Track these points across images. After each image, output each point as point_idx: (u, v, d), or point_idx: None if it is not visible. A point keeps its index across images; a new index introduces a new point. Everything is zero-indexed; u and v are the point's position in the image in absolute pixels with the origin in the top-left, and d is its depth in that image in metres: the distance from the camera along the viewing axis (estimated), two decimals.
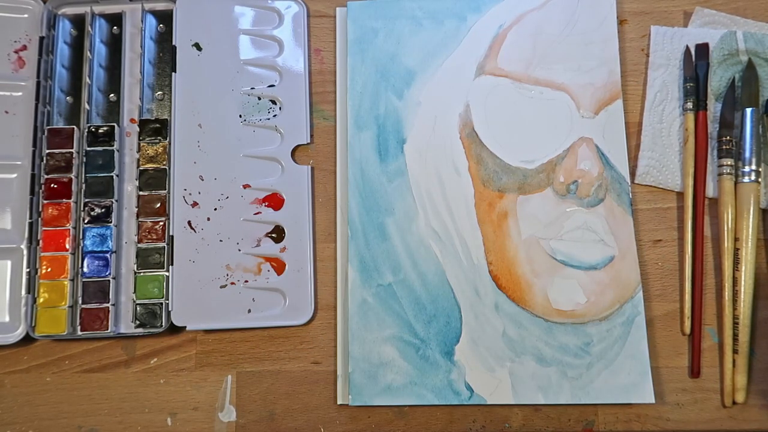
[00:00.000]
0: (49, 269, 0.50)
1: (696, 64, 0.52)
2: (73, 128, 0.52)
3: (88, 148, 0.52)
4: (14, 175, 0.51)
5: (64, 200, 0.51)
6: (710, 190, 0.50)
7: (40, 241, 0.50)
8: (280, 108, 0.53)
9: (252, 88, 0.53)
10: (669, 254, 0.50)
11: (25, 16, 0.54)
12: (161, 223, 0.51)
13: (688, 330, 0.48)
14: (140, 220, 0.51)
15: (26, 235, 0.50)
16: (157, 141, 0.52)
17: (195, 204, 0.51)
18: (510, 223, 0.50)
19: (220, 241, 0.50)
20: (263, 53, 0.54)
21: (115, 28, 0.55)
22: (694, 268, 0.49)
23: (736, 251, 0.48)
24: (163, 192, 0.51)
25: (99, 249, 0.50)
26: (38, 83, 0.52)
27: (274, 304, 0.50)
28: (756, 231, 0.48)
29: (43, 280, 0.49)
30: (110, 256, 0.50)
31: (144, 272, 0.50)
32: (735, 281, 0.48)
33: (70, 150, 0.51)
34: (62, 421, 0.49)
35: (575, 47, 0.52)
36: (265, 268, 0.50)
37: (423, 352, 0.48)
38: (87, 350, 0.50)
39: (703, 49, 0.52)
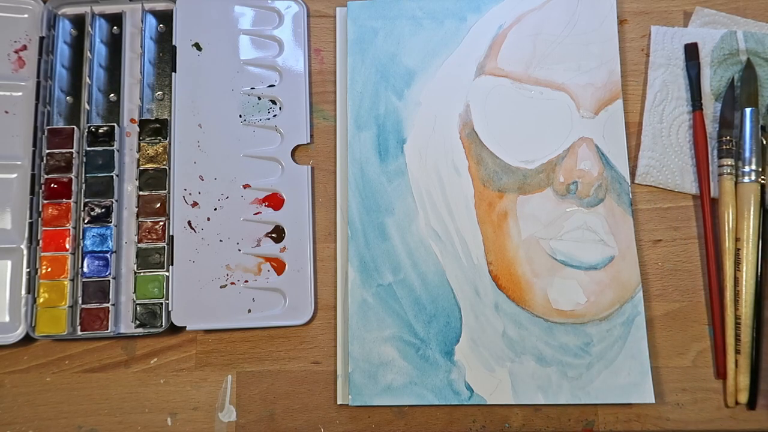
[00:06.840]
0: (49, 269, 0.50)
1: (687, 65, 0.52)
2: (73, 128, 0.52)
3: (88, 148, 0.52)
4: (14, 175, 0.51)
5: (64, 200, 0.51)
6: (711, 190, 0.50)
7: (40, 241, 0.50)
8: (280, 108, 0.53)
9: (252, 88, 0.53)
10: (669, 254, 0.50)
11: (25, 16, 0.54)
12: (161, 223, 0.51)
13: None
14: (140, 220, 0.51)
15: (26, 235, 0.50)
16: (157, 141, 0.52)
17: (195, 204, 0.51)
18: (510, 223, 0.50)
19: (220, 241, 0.50)
20: (263, 53, 0.54)
21: (115, 28, 0.55)
22: (709, 268, 0.49)
23: (737, 251, 0.48)
24: (163, 192, 0.51)
25: (99, 249, 0.50)
26: (38, 83, 0.52)
27: (274, 304, 0.50)
28: (757, 231, 0.48)
29: (43, 280, 0.49)
30: (110, 256, 0.50)
31: (144, 272, 0.50)
32: (736, 281, 0.48)
33: (70, 150, 0.51)
34: (62, 421, 0.49)
35: (575, 47, 0.52)
36: (265, 268, 0.50)
37: (423, 352, 0.48)
38: (87, 350, 0.50)
39: (692, 49, 0.52)
